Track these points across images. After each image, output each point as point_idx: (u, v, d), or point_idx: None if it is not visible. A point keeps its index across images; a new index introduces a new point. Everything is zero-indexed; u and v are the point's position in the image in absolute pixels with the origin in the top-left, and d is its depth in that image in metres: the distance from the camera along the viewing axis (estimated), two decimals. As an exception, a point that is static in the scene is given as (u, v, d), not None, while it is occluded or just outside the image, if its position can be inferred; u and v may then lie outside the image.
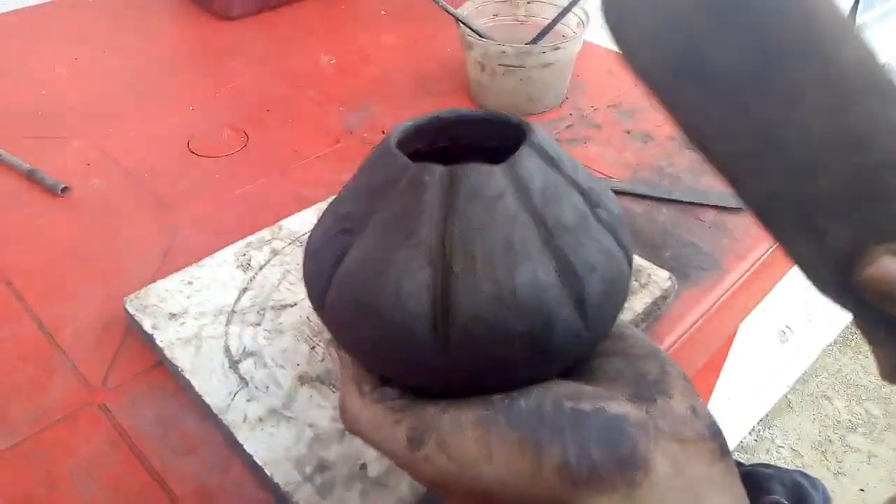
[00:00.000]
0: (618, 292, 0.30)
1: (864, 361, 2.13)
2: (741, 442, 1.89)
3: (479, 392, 0.29)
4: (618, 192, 0.64)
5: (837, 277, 0.29)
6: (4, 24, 0.89)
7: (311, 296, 0.32)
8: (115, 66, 0.81)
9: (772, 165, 0.28)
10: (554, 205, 0.29)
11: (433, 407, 0.28)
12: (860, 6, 1.45)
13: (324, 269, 0.30)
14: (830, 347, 2.20)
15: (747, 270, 0.58)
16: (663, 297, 0.51)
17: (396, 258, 0.28)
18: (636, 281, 0.52)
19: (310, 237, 0.32)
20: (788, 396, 2.06)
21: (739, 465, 0.73)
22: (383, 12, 0.94)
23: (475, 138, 0.35)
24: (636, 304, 0.49)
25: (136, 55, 0.83)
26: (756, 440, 1.90)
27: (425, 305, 0.27)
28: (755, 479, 0.64)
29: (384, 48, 0.86)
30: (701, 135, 0.28)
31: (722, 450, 0.28)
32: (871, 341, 0.31)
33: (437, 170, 0.29)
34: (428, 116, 0.34)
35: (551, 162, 0.30)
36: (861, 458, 1.83)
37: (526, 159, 0.29)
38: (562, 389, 0.28)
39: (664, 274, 0.52)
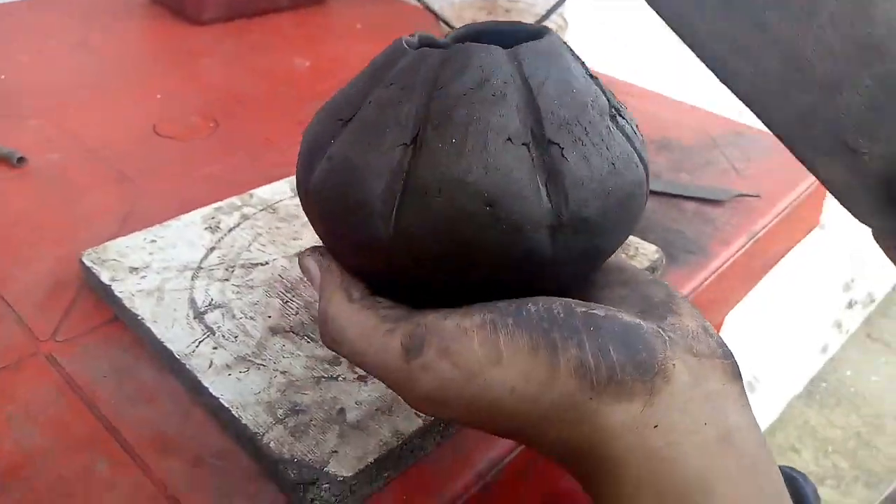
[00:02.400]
0: (622, 209, 0.27)
1: (828, 414, 2.14)
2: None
3: (439, 298, 0.26)
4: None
5: (877, 199, 0.28)
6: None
7: (297, 184, 0.29)
8: (79, 58, 0.79)
9: (797, 84, 0.27)
10: (558, 99, 0.26)
11: (432, 314, 0.26)
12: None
13: (312, 152, 0.28)
14: (796, 401, 2.20)
15: (732, 255, 0.57)
16: (652, 269, 0.49)
17: (375, 140, 0.26)
18: (624, 253, 0.50)
19: (307, 127, 0.30)
20: (755, 449, 2.04)
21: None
22: (359, 25, 0.94)
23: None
24: (626, 270, 0.47)
25: (103, 50, 0.81)
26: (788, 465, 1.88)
27: (384, 181, 0.25)
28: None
29: (359, 56, 0.85)
30: (726, 63, 0.28)
31: (734, 369, 0.27)
32: None
33: (435, 51, 0.27)
34: (453, 31, 0.32)
35: (566, 60, 0.28)
36: (830, 511, 1.80)
37: (536, 48, 0.27)
38: (569, 300, 0.26)
39: (652, 247, 0.51)
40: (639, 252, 0.50)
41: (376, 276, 0.28)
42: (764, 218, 0.61)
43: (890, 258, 0.30)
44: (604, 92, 0.28)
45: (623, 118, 0.29)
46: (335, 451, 0.34)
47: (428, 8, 0.71)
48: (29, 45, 0.80)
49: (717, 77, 0.28)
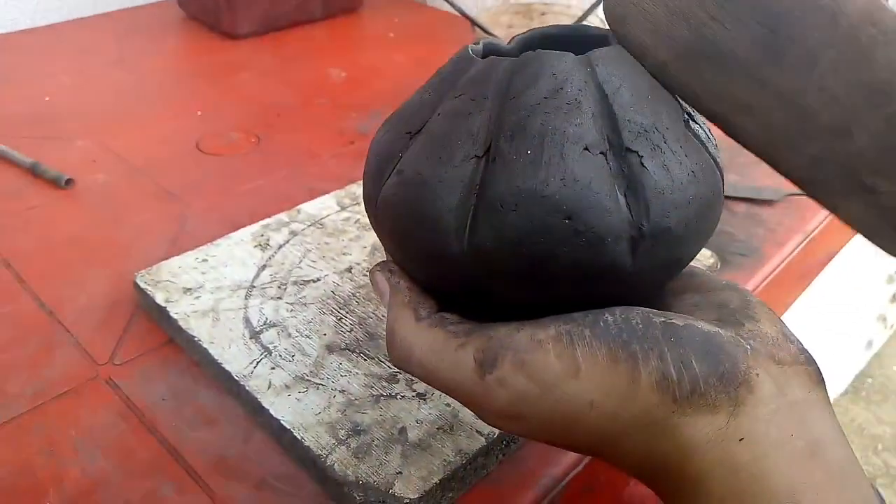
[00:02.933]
0: (701, 218, 0.26)
1: (876, 410, 2.09)
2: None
3: (513, 312, 0.26)
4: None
5: None
6: (14, 41, 0.88)
7: (366, 198, 0.29)
8: (120, 77, 0.80)
9: (805, 133, 0.27)
10: (634, 106, 0.25)
11: (504, 327, 0.25)
12: None
13: (380, 166, 0.28)
14: (842, 398, 2.16)
15: (786, 257, 0.55)
16: (707, 274, 0.48)
17: (446, 153, 0.25)
18: (677, 258, 0.49)
19: (374, 139, 0.29)
20: (801, 448, 2.01)
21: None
22: (391, 34, 0.94)
23: None
24: (681, 277, 0.47)
25: (142, 68, 0.82)
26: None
27: (457, 197, 0.25)
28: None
29: (394, 64, 0.86)
30: (729, 120, 0.27)
31: (818, 375, 0.26)
32: None
33: (506, 59, 0.26)
34: (516, 37, 0.31)
35: (637, 66, 0.27)
36: (881, 509, 1.76)
37: (608, 54, 0.26)
38: (645, 309, 0.25)
39: (706, 252, 0.50)
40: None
41: (448, 291, 0.28)
42: (816, 217, 0.59)
43: None
44: (675, 97, 0.27)
45: (697, 122, 0.28)
46: (399, 472, 0.33)
47: (463, 14, 0.71)
48: (70, 66, 0.81)
49: (724, 132, 0.27)
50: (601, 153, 0.24)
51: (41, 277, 0.49)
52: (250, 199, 0.58)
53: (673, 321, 0.24)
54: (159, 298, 0.44)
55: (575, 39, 0.29)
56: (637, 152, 0.25)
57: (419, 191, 0.25)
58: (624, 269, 0.25)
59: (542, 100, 0.25)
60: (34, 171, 0.60)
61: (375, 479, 0.33)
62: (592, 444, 0.25)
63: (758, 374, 0.24)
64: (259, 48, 0.88)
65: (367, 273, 0.46)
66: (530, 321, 0.25)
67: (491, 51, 0.29)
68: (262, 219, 0.51)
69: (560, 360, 0.23)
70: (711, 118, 0.27)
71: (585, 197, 0.24)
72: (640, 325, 0.24)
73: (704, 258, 0.49)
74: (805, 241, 0.57)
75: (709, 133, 0.28)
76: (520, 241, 0.24)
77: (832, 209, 0.28)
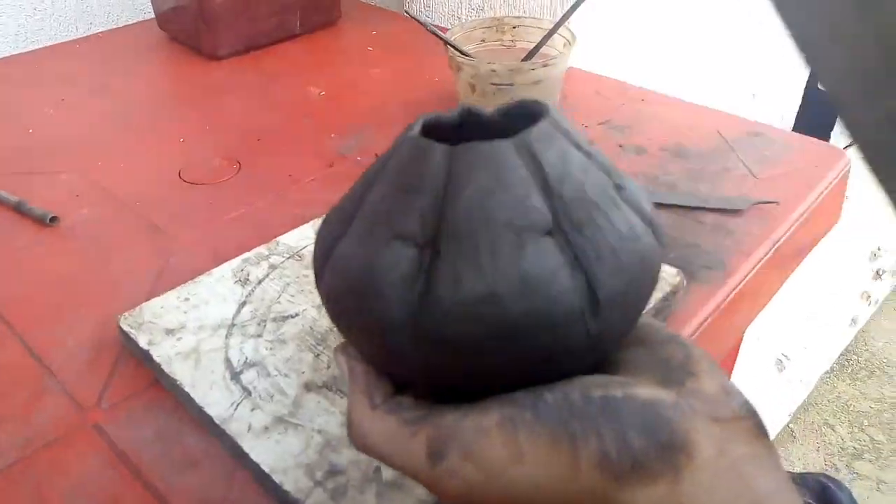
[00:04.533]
0: (645, 274, 0.27)
1: (861, 387, 2.12)
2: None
3: (465, 395, 0.27)
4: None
5: None
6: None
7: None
8: (102, 104, 0.81)
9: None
10: (568, 182, 0.26)
11: (452, 413, 0.26)
12: None
13: (322, 255, 0.29)
14: (828, 375, 2.18)
15: (753, 267, 0.57)
16: (673, 293, 0.50)
17: (383, 237, 0.26)
18: (644, 279, 0.51)
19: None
20: (790, 426, 2.03)
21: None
22: (370, 48, 0.95)
23: (499, 129, 0.32)
24: (646, 300, 0.48)
25: (124, 94, 0.83)
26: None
27: (397, 289, 0.25)
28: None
29: (373, 80, 0.87)
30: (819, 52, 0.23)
31: (759, 428, 0.26)
32: None
33: (441, 146, 0.27)
34: (451, 110, 0.32)
35: (570, 137, 0.28)
36: (870, 486, 1.80)
37: (540, 133, 0.27)
38: (587, 380, 0.26)
39: (672, 270, 0.51)
40: (660, 276, 0.51)
41: (401, 378, 0.29)
42: (783, 225, 0.61)
43: None
44: (604, 163, 0.29)
45: (626, 187, 0.29)
46: (375, 514, 0.35)
47: (435, 34, 0.72)
48: (52, 95, 0.82)
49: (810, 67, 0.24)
50: (546, 234, 0.25)
51: (28, 322, 0.50)
52: (233, 230, 0.60)
53: (612, 394, 0.25)
54: (142, 342, 0.45)
55: (510, 114, 0.31)
56: (578, 228, 0.26)
57: (356, 283, 0.26)
58: (581, 345, 0.26)
59: (481, 188, 0.25)
60: (19, 210, 0.61)
61: (351, 520, 0.35)
62: None
63: (697, 439, 0.25)
64: (239, 69, 0.89)
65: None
66: (476, 405, 0.26)
67: (431, 125, 0.30)
68: (245, 250, 0.53)
69: (505, 448, 0.25)
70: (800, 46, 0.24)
71: (535, 283, 0.24)
72: (579, 403, 0.25)
73: (670, 277, 0.50)
74: (772, 251, 0.59)
75: (637, 193, 0.29)
76: (468, 336, 0.25)
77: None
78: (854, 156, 0.56)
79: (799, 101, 1.59)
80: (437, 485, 0.26)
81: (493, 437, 0.25)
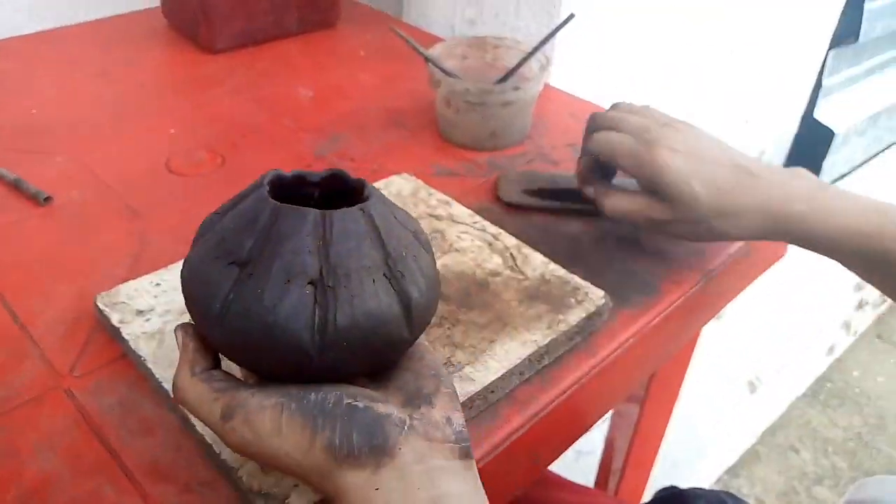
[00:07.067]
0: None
1: (832, 414, 2.17)
2: (707, 489, 1.90)
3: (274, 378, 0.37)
4: (578, 212, 0.69)
5: None
6: (6, 47, 0.94)
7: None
8: (102, 90, 0.86)
9: None
10: (341, 253, 0.36)
11: (245, 391, 0.36)
12: (826, 71, 1.52)
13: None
14: (799, 400, 2.23)
15: (683, 294, 0.62)
16: (598, 314, 0.55)
17: (216, 262, 0.36)
18: (573, 298, 0.56)
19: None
20: (757, 447, 2.08)
21: (674, 489, 0.76)
22: (362, 52, 0.99)
23: (327, 188, 0.43)
24: (571, 318, 0.53)
25: (123, 81, 0.88)
26: (722, 489, 1.92)
27: (222, 294, 0.35)
28: (684, 500, 0.68)
29: (360, 85, 0.91)
30: None
31: (462, 451, 0.36)
32: None
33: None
34: (291, 173, 0.42)
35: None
36: (825, 510, 1.85)
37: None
38: (350, 390, 0.36)
39: (599, 293, 0.56)
40: (587, 297, 0.56)
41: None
42: (720, 256, 0.66)
43: None
44: (385, 245, 0.37)
45: (398, 268, 0.37)
46: (296, 485, 0.40)
47: (417, 50, 0.77)
48: (55, 78, 0.87)
49: None
50: (310, 283, 0.35)
51: (16, 290, 0.56)
52: (209, 221, 0.65)
53: (356, 404, 0.35)
54: (115, 320, 0.51)
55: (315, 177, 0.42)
56: (334, 287, 0.35)
57: (196, 287, 0.37)
58: (311, 367, 0.36)
59: (283, 240, 0.35)
60: (17, 187, 0.67)
61: (276, 490, 0.40)
62: (296, 476, 0.36)
63: (401, 448, 0.34)
64: (234, 63, 0.94)
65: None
66: (264, 388, 0.36)
67: (277, 182, 0.40)
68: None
69: (271, 422, 0.34)
70: None
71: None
72: (331, 405, 0.35)
73: (596, 299, 0.55)
74: (703, 281, 0.64)
75: (408, 273, 0.38)
76: (247, 340, 0.35)
77: None
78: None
79: (795, 129, 1.62)
80: (224, 437, 0.36)
81: (266, 414, 0.35)
